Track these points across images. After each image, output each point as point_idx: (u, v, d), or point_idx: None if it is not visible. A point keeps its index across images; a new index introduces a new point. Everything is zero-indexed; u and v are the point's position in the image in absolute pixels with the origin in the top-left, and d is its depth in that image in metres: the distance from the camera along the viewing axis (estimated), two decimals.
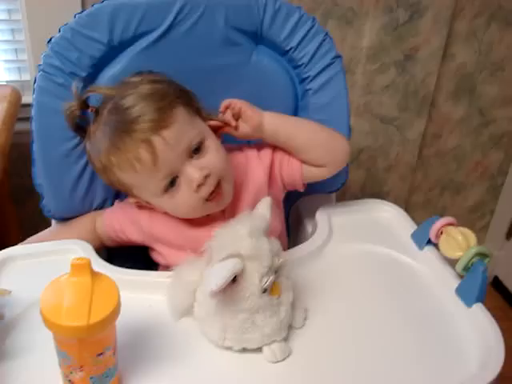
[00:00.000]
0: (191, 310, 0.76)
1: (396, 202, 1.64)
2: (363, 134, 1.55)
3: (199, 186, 0.79)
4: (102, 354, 0.63)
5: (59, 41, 0.85)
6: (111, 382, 0.67)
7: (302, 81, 0.96)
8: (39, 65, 0.85)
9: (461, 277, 0.84)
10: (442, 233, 0.87)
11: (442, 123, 1.64)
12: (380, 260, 0.91)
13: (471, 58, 1.55)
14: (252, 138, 0.90)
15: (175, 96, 0.80)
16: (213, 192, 0.81)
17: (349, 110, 0.96)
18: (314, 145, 0.88)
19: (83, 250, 0.85)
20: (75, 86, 0.82)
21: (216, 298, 0.69)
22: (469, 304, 0.80)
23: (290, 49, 0.94)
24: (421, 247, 0.91)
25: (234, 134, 0.89)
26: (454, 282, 0.83)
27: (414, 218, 0.98)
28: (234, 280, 0.69)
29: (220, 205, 0.84)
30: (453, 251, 0.84)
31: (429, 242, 0.90)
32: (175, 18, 0.88)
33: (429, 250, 0.90)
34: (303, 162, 0.89)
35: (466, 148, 1.71)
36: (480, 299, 0.80)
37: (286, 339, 0.75)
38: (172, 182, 0.80)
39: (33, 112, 0.87)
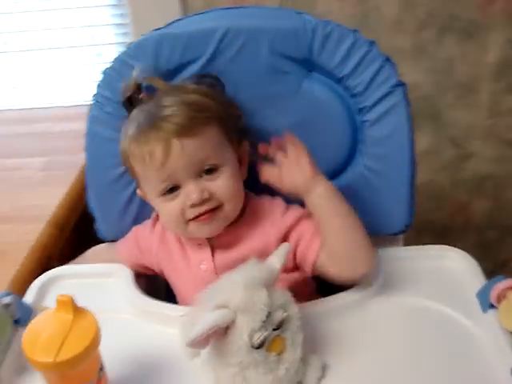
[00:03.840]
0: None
1: None
2: (487, 159, 1.38)
3: (193, 206, 0.78)
4: None
5: (110, 71, 0.88)
6: None
7: (359, 111, 0.87)
8: (94, 94, 0.89)
9: None
10: (504, 297, 0.73)
11: None
12: (433, 319, 0.79)
13: None
14: (292, 194, 0.82)
15: (215, 115, 0.80)
16: (203, 214, 0.79)
17: (412, 144, 0.86)
18: (340, 234, 0.78)
19: (122, 274, 0.88)
20: (136, 70, 0.85)
21: (195, 348, 0.65)
22: None
23: (344, 76, 0.86)
24: (484, 309, 0.77)
25: (275, 183, 0.82)
26: None
27: None
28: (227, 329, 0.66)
29: (202, 229, 0.81)
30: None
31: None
32: (218, 47, 0.85)
33: (493, 315, 0.76)
34: (322, 242, 0.80)
35: None
36: None
37: None
38: (172, 190, 0.80)
39: (85, 139, 0.91)
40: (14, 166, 1.23)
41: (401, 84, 0.85)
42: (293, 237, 0.83)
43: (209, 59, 0.86)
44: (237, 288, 0.66)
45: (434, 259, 0.88)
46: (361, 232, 0.78)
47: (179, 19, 0.87)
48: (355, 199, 0.88)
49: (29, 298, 0.84)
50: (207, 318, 0.64)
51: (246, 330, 0.65)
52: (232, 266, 0.77)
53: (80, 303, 0.66)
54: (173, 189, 0.79)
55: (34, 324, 0.65)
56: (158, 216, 0.90)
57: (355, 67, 0.85)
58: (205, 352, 0.71)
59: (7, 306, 0.77)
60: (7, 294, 0.78)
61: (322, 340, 0.76)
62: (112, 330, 0.75)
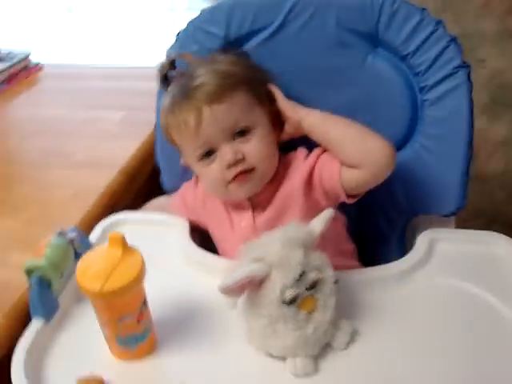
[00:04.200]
0: None
1: None
2: None
3: (229, 166, 0.82)
4: (121, 319, 0.70)
5: (184, 33, 0.94)
6: (138, 345, 0.74)
7: (421, 90, 0.87)
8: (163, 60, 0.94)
9: None
10: None
11: None
12: (474, 305, 0.78)
13: None
14: (295, 136, 0.88)
15: (244, 81, 0.85)
16: (238, 175, 0.83)
17: (471, 126, 0.85)
18: (345, 141, 0.82)
19: (178, 225, 0.94)
20: (170, 49, 0.93)
21: (228, 295, 0.70)
22: None
23: (408, 54, 0.86)
24: None
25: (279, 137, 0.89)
26: None
27: None
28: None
29: (240, 190, 0.85)
30: None
31: None
32: (286, 17, 0.88)
33: None
34: (341, 162, 0.83)
35: None
36: None
37: (315, 357, 0.72)
38: (208, 154, 0.85)
39: (156, 97, 0.97)
40: (95, 118, 1.32)
41: (465, 66, 0.84)
42: (316, 173, 0.86)
43: (277, 28, 0.89)
44: (274, 245, 0.70)
45: (483, 244, 0.87)
46: (363, 128, 0.82)
47: None
48: (410, 177, 0.90)
49: (92, 237, 0.92)
50: (243, 268, 0.69)
51: (278, 284, 0.68)
52: (271, 222, 0.81)
53: (137, 246, 0.71)
54: (209, 153, 0.84)
55: (87, 256, 0.72)
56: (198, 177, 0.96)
57: (420, 45, 0.85)
58: (241, 303, 0.76)
59: (72, 240, 0.84)
60: (73, 230, 0.86)
61: (357, 307, 0.79)
62: (161, 274, 0.83)
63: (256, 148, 0.84)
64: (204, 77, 0.83)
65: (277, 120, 0.89)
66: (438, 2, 1.27)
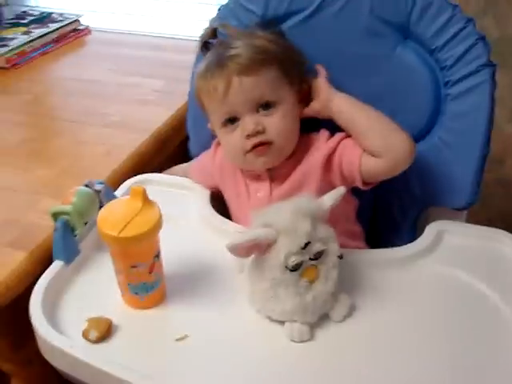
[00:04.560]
0: None
1: None
2: None
3: (248, 136, 0.86)
4: (135, 267, 0.75)
5: (224, 8, 0.98)
6: (148, 295, 0.78)
7: (445, 84, 0.89)
8: (205, 28, 0.98)
9: None
10: None
11: None
12: (473, 299, 0.80)
13: None
14: (320, 115, 0.91)
15: (276, 58, 0.88)
16: (257, 146, 0.87)
17: (489, 124, 0.86)
18: (370, 129, 0.85)
19: (199, 190, 1.00)
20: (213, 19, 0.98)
21: (234, 254, 0.74)
22: None
23: (436, 48, 0.88)
24: None
25: (304, 112, 0.92)
26: None
27: None
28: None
29: (257, 161, 0.89)
30: None
31: None
32: (323, 1, 0.91)
33: None
34: (363, 149, 0.86)
35: None
36: None
37: (312, 325, 0.75)
38: (232, 122, 0.89)
39: (193, 67, 1.01)
40: (134, 84, 1.38)
41: (490, 65, 0.86)
42: (336, 156, 0.89)
43: (313, 11, 0.93)
44: (284, 213, 0.73)
45: (489, 240, 0.89)
46: (388, 119, 0.86)
47: None
48: (426, 169, 0.93)
49: (118, 194, 0.97)
50: (251, 231, 0.73)
51: (283, 250, 0.72)
52: (286, 195, 0.84)
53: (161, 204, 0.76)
54: (233, 121, 0.88)
55: (109, 205, 0.78)
56: (218, 143, 1.00)
57: (448, 40, 0.87)
58: (248, 267, 0.81)
59: (98, 192, 0.90)
60: (100, 183, 0.91)
61: (358, 285, 0.82)
62: (178, 233, 0.89)
63: (277, 123, 0.87)
64: (239, 49, 0.87)
65: (304, 101, 0.92)
66: (481, 3, 1.28)
